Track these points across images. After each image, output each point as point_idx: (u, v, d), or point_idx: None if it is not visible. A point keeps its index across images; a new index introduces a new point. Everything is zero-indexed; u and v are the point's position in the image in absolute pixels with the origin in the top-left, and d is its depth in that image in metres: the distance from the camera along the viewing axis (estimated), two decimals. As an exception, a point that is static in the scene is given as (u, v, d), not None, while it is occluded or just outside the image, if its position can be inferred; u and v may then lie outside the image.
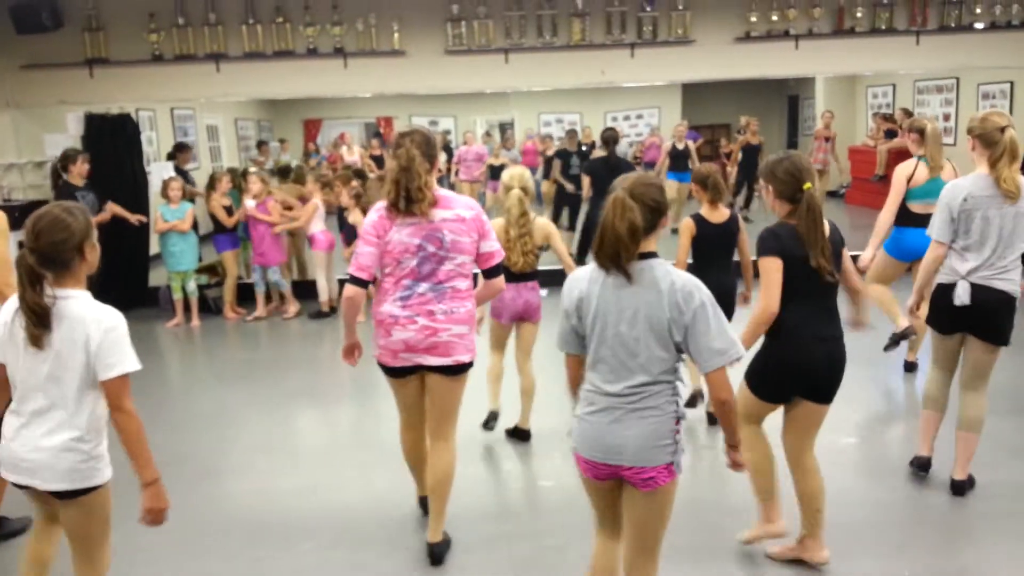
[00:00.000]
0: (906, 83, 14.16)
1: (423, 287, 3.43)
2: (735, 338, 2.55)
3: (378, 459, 4.73)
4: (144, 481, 2.68)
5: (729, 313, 4.67)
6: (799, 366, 3.27)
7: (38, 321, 2.54)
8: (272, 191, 8.91)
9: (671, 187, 11.62)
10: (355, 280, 3.45)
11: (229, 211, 8.63)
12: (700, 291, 2.52)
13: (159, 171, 9.54)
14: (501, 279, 3.61)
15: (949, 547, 3.72)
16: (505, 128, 18.68)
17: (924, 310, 4.24)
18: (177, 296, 8.48)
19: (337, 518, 4.12)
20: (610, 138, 7.93)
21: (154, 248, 9.53)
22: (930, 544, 3.74)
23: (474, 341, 3.61)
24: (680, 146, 13.16)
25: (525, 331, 4.87)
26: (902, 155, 7.58)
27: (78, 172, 7.84)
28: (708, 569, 3.54)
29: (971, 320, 3.91)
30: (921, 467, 4.25)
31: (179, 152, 10.12)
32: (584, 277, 2.61)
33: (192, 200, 8.74)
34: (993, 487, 4.14)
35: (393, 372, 3.58)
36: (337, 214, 8.87)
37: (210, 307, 8.81)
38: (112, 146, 8.89)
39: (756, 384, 3.41)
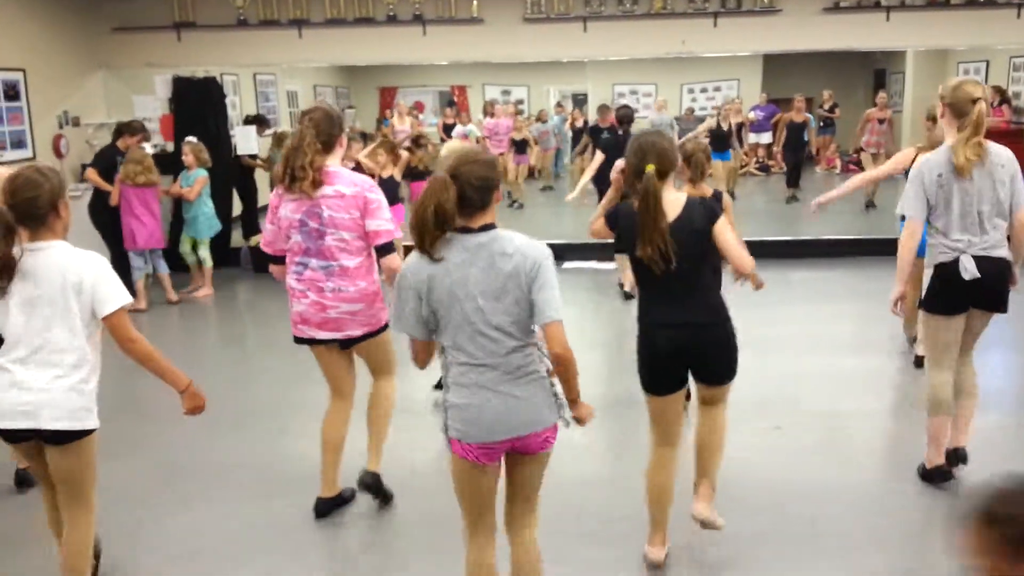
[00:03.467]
0: (1001, 59, 13.51)
1: (313, 263, 3.52)
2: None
3: (412, 423, 4.76)
4: (179, 389, 2.93)
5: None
6: (646, 351, 3.13)
7: (1, 272, 2.70)
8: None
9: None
10: (269, 257, 3.70)
11: None
12: (541, 249, 2.52)
13: (241, 135, 9.74)
14: (391, 257, 3.54)
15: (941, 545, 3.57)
16: (578, 98, 18.49)
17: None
18: (191, 262, 8.23)
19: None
20: (623, 117, 7.74)
21: (236, 210, 9.82)
22: (926, 541, 3.61)
23: (374, 315, 3.60)
24: (725, 126, 12.94)
25: None
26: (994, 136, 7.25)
27: (126, 143, 7.77)
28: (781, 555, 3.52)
29: (977, 293, 3.72)
30: (944, 477, 3.92)
31: (259, 124, 10.29)
32: (424, 261, 2.50)
33: (208, 169, 8.18)
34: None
35: (297, 340, 3.70)
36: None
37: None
38: (198, 109, 9.10)
39: (640, 375, 3.21)
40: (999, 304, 3.80)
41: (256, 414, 5.15)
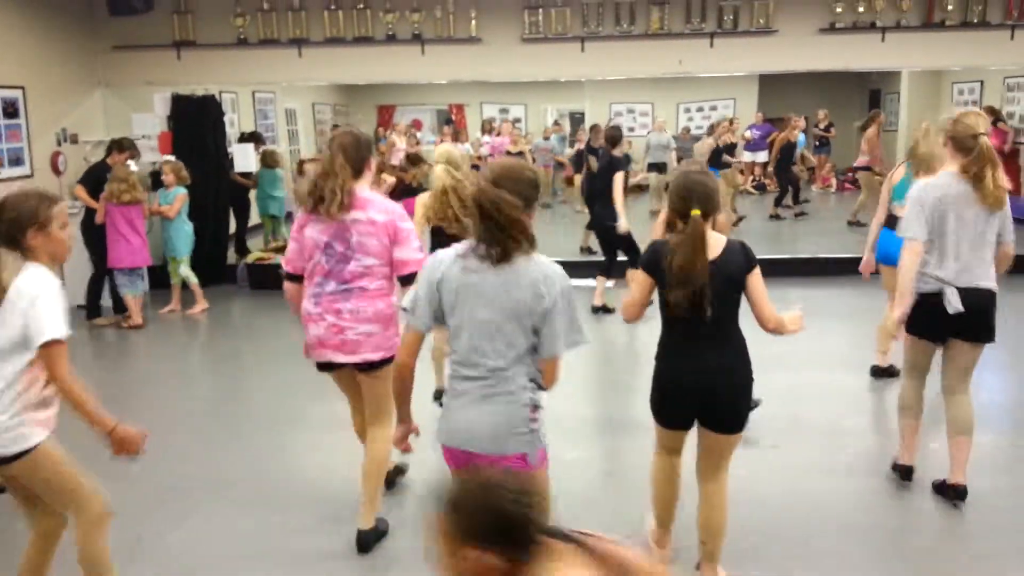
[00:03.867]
0: (995, 79, 13.61)
1: (331, 286, 3.49)
2: (583, 328, 2.56)
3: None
4: (105, 432, 2.78)
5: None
6: (667, 388, 3.12)
7: None
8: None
9: None
10: (286, 275, 3.67)
11: None
12: (562, 278, 2.51)
13: (239, 152, 9.76)
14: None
15: (946, 563, 3.56)
16: (576, 117, 18.58)
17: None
18: (173, 282, 8.13)
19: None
20: (610, 138, 7.65)
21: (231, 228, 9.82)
22: (924, 559, 3.58)
23: (389, 339, 3.55)
24: (721, 144, 13.12)
25: None
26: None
27: (114, 160, 7.72)
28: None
29: (961, 323, 3.75)
30: (905, 475, 4.13)
31: (255, 141, 10.30)
32: (447, 258, 2.55)
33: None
34: (989, 500, 3.96)
35: (318, 366, 3.69)
36: None
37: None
38: (197, 127, 9.14)
39: (652, 407, 3.24)
40: (984, 335, 3.81)
41: (253, 428, 5.14)
